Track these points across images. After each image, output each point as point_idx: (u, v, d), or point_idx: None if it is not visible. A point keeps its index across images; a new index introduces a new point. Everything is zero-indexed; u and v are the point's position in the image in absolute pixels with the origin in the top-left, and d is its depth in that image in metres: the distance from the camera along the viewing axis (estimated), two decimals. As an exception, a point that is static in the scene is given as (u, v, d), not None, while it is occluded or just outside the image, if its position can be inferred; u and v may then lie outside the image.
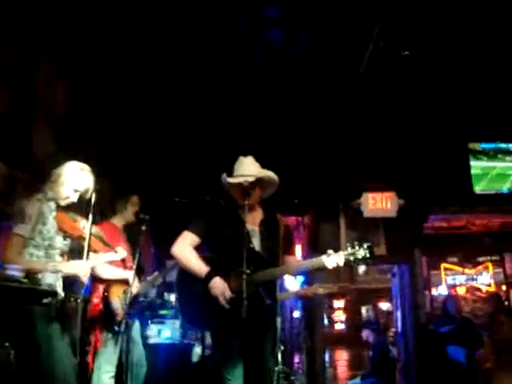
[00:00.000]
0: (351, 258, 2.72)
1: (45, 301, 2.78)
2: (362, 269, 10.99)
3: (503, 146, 7.29)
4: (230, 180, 3.06)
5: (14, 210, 3.05)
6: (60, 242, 3.11)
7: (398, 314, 7.66)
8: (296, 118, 6.14)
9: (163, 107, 6.06)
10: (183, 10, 4.58)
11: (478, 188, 7.10)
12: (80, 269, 3.08)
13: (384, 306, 14.24)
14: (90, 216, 3.06)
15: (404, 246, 6.73)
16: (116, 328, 3.65)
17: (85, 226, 3.13)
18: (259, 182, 3.05)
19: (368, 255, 2.69)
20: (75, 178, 3.14)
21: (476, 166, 7.13)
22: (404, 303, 7.12)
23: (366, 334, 7.40)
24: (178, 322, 5.54)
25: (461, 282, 8.32)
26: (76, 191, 3.15)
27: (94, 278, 3.81)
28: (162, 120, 6.19)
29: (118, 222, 4.26)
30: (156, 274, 4.33)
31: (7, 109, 4.01)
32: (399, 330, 7.51)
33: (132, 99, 5.79)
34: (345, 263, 2.74)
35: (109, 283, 3.84)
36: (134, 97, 5.78)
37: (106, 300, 3.77)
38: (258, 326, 2.86)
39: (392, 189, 6.59)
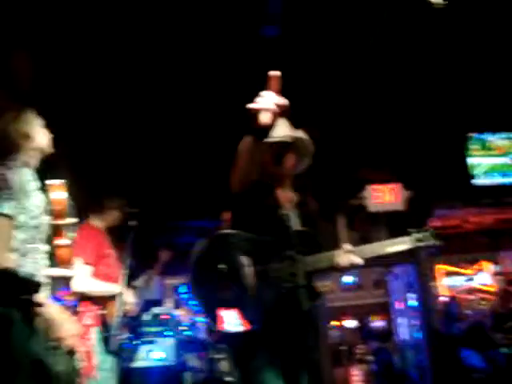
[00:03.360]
0: (420, 244, 2.31)
1: (24, 296, 1.89)
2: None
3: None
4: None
5: None
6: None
7: (400, 320, 7.08)
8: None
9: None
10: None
11: (478, 180, 6.71)
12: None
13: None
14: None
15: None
16: (114, 350, 3.10)
17: None
18: (293, 146, 2.40)
19: (437, 242, 2.31)
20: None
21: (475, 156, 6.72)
22: (409, 307, 6.53)
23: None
24: (170, 340, 4.68)
25: (461, 283, 7.84)
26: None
27: (82, 296, 3.18)
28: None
29: (100, 223, 3.50)
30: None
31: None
32: (403, 337, 6.91)
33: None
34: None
35: (104, 301, 3.18)
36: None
37: (103, 321, 3.15)
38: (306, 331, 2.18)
39: (396, 180, 6.03)
